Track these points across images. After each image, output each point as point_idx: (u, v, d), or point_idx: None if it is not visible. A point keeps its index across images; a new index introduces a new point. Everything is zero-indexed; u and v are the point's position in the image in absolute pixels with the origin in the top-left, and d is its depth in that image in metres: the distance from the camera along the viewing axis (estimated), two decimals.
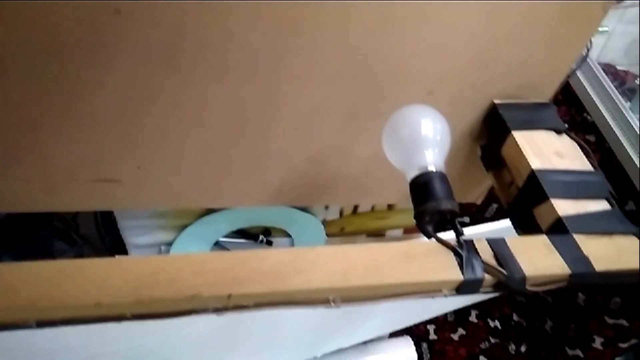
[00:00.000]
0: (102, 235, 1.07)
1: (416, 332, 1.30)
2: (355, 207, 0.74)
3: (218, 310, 0.37)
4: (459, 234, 0.43)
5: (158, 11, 0.42)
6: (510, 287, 0.42)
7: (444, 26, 0.49)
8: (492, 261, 0.43)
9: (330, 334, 0.81)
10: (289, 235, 0.74)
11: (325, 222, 0.73)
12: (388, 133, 0.47)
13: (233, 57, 0.46)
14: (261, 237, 0.72)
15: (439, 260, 0.42)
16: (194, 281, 0.36)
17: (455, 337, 1.33)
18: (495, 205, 1.15)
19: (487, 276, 0.42)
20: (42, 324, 0.33)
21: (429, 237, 0.43)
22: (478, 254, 0.43)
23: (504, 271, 0.42)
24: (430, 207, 0.43)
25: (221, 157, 0.56)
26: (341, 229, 0.75)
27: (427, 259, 0.42)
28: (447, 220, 0.44)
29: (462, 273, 0.42)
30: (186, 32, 0.44)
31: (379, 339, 1.04)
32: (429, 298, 0.42)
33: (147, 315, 0.35)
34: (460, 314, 1.32)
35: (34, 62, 0.43)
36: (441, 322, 1.33)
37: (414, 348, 1.05)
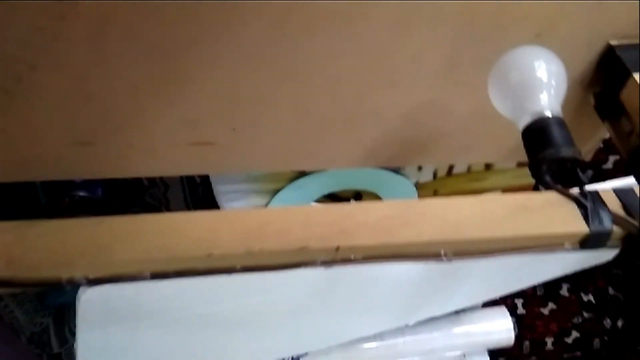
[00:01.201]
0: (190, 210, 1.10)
1: (502, 305, 1.26)
2: (450, 168, 0.70)
3: (326, 263, 0.36)
4: (582, 183, 0.39)
5: None
6: None
7: None
8: (621, 212, 0.39)
9: (424, 302, 0.79)
10: (379, 199, 0.72)
11: (417, 185, 0.70)
12: (496, 78, 0.44)
13: (326, 8, 0.44)
14: (352, 201, 0.71)
15: (560, 211, 0.39)
16: (301, 233, 0.35)
17: (545, 311, 1.27)
18: (612, 159, 1.05)
19: (615, 228, 0.38)
20: (156, 275, 0.33)
21: (547, 187, 0.39)
22: (605, 204, 0.39)
23: (636, 223, 0.38)
24: (549, 154, 0.39)
25: (314, 116, 0.55)
26: (434, 192, 0.72)
27: (547, 210, 0.39)
28: (566, 170, 0.41)
29: (588, 225, 0.38)
30: None
31: (472, 308, 1.00)
32: (549, 253, 0.39)
33: (257, 267, 0.34)
34: (551, 288, 1.26)
35: (131, 21, 0.43)
36: (530, 296, 1.28)
37: (510, 319, 1.00)
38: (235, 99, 0.51)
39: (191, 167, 0.57)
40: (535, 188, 0.72)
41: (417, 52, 0.50)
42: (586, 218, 0.38)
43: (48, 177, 0.54)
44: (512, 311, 1.28)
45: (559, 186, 0.39)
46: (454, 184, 0.71)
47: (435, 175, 0.70)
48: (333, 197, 0.71)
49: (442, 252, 0.37)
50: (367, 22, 0.46)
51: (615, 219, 0.38)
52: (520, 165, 0.69)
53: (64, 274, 0.31)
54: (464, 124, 0.58)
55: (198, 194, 1.01)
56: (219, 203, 0.68)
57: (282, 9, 0.44)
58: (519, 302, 1.30)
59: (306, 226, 0.35)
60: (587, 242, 0.38)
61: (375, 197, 0.71)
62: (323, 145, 0.58)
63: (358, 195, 0.71)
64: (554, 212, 0.39)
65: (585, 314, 1.22)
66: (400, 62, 0.50)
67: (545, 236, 0.38)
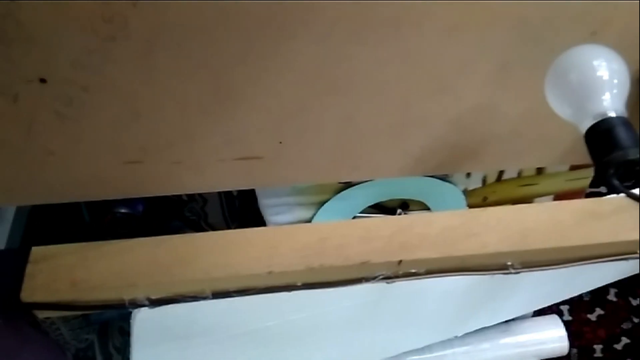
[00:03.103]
0: (228, 224, 1.11)
1: (548, 313, 1.22)
2: (500, 174, 0.68)
3: (388, 277, 0.34)
4: None
5: None
6: None
7: None
8: None
9: (473, 312, 0.77)
10: (427, 208, 0.70)
11: (466, 192, 0.68)
12: (554, 79, 0.42)
13: (374, 14, 0.44)
14: (399, 210, 0.70)
15: (632, 217, 0.37)
16: (361, 248, 0.34)
17: (592, 317, 1.22)
18: None
19: None
20: (217, 294, 0.33)
21: (617, 192, 0.37)
22: None
23: None
24: (617, 157, 0.37)
25: (360, 126, 0.54)
26: (484, 199, 0.70)
27: (617, 216, 0.37)
28: (635, 172, 0.38)
29: None
30: None
31: (523, 317, 0.97)
32: (621, 261, 0.37)
33: (318, 284, 0.34)
34: (597, 293, 1.21)
35: (179, 40, 0.43)
36: (576, 302, 1.24)
37: (563, 327, 0.97)
38: (281, 113, 0.51)
39: (238, 182, 0.57)
40: (590, 192, 0.70)
41: (467, 57, 0.48)
42: None
43: (98, 197, 0.55)
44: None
45: (629, 190, 0.38)
46: (504, 190, 0.69)
47: (484, 182, 0.68)
48: (379, 207, 0.69)
49: (509, 264, 0.35)
50: (416, 29, 0.45)
51: None
52: (573, 168, 0.67)
53: (126, 295, 0.31)
54: (514, 128, 0.57)
55: (235, 206, 1.02)
56: (264, 217, 0.68)
57: (329, 20, 0.43)
58: (564, 308, 1.26)
59: (366, 240, 0.34)
60: None
61: (423, 205, 0.70)
62: (369, 155, 0.57)
63: (405, 205, 0.70)
64: (624, 218, 0.37)
65: (635, 319, 1.17)
66: (449, 68, 0.49)
67: (616, 244, 0.36)
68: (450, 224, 0.35)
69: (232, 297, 0.33)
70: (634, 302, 1.21)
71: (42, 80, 0.43)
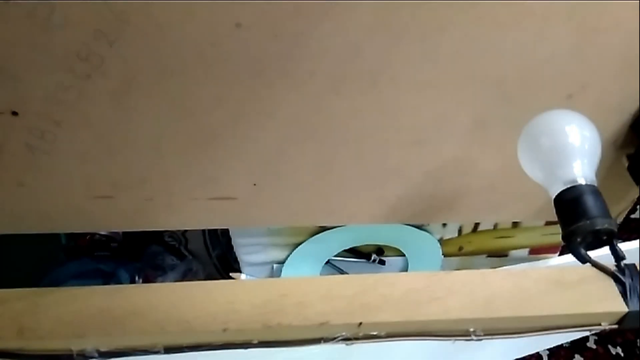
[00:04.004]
0: (209, 250, 1.10)
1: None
2: (476, 224, 0.68)
3: (347, 339, 0.34)
4: (619, 257, 0.37)
5: (278, 23, 0.40)
6: None
7: (590, 23, 0.43)
8: None
9: None
10: (402, 254, 0.70)
11: (442, 241, 0.68)
12: (526, 143, 0.42)
13: (352, 67, 0.44)
14: (374, 256, 0.69)
15: (597, 288, 0.36)
16: (322, 307, 0.33)
17: None
18: None
19: None
20: (169, 349, 0.32)
21: (583, 261, 0.37)
22: None
23: None
24: (584, 227, 0.37)
25: (336, 173, 0.54)
26: (459, 248, 0.70)
27: (583, 286, 0.36)
28: (602, 242, 0.38)
29: (627, 303, 0.36)
30: (305, 43, 0.42)
31: None
32: (585, 332, 0.37)
33: (275, 342, 0.33)
34: (577, 340, 1.21)
35: (157, 81, 0.43)
36: (556, 350, 1.23)
37: None
38: (257, 156, 0.50)
39: (211, 221, 0.56)
40: (565, 248, 0.70)
41: (443, 112, 0.49)
42: (624, 295, 0.36)
43: (67, 230, 0.54)
44: None
45: (595, 260, 0.37)
46: (479, 241, 0.69)
47: (460, 232, 0.68)
48: (354, 252, 0.69)
49: (472, 330, 0.34)
50: (392, 83, 0.45)
51: None
52: (549, 223, 0.67)
53: (75, 346, 0.30)
54: (490, 182, 0.57)
55: (217, 233, 1.00)
56: (238, 255, 0.67)
57: (308, 70, 0.44)
58: (544, 354, 1.25)
59: (327, 299, 0.33)
60: (625, 322, 0.36)
61: (398, 251, 0.69)
62: (345, 201, 0.57)
63: (380, 250, 0.70)
64: (590, 289, 0.36)
65: None
66: (426, 121, 0.49)
67: (580, 315, 0.36)
68: (414, 286, 0.34)
69: (185, 353, 0.32)
70: (614, 351, 1.20)
71: (14, 113, 0.43)
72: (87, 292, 0.32)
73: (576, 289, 0.36)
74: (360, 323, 0.33)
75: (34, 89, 0.42)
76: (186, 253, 1.10)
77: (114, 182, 0.50)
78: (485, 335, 0.35)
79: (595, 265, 0.37)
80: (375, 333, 0.34)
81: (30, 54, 0.39)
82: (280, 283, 0.34)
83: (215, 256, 1.07)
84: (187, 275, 1.07)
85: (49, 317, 0.30)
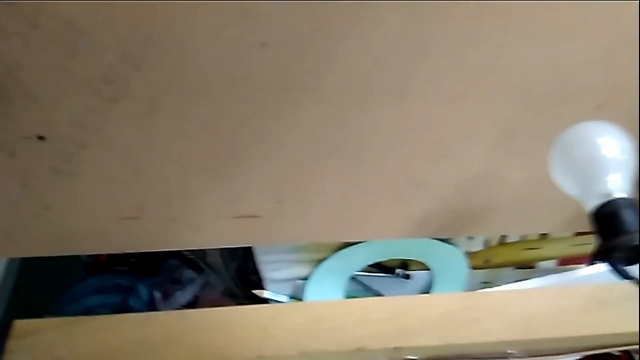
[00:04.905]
0: (226, 264, 1.09)
1: None
2: (503, 236, 0.67)
3: None
4: None
5: (304, 41, 0.40)
6: None
7: (619, 32, 0.42)
8: None
9: None
10: (427, 268, 0.69)
11: (468, 254, 0.67)
12: (559, 156, 0.41)
13: (378, 82, 0.43)
14: (398, 270, 0.68)
15: (637, 306, 0.35)
16: (357, 331, 0.32)
17: None
18: None
19: None
20: None
21: (625, 277, 0.36)
22: None
23: None
24: (623, 241, 0.36)
25: (362, 188, 0.53)
26: (486, 261, 0.68)
27: (624, 304, 0.35)
28: None
29: None
30: (331, 60, 0.41)
31: None
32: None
33: None
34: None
35: (182, 103, 0.43)
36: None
37: None
38: (281, 173, 0.50)
39: (235, 240, 0.56)
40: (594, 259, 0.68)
41: (471, 126, 0.48)
42: None
43: (93, 251, 0.54)
44: None
45: (636, 278, 0.36)
46: (507, 253, 0.68)
47: (486, 244, 0.67)
48: (379, 266, 0.68)
49: (511, 352, 0.33)
50: (420, 97, 0.45)
51: None
52: (578, 233, 0.65)
53: None
54: (518, 194, 0.56)
55: (235, 247, 1.00)
56: (262, 273, 0.66)
57: (333, 86, 0.43)
58: None
59: (362, 323, 0.33)
60: None
61: (423, 265, 0.68)
62: (370, 216, 0.56)
63: (404, 264, 0.68)
64: (631, 306, 0.35)
65: None
66: (453, 135, 0.49)
67: (622, 334, 0.34)
68: (451, 308, 0.33)
69: None
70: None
71: (40, 138, 0.43)
72: (119, 321, 0.31)
73: (617, 307, 0.35)
74: (397, 347, 0.32)
75: (60, 113, 0.42)
76: (204, 266, 1.10)
77: (140, 203, 0.50)
78: (524, 357, 0.34)
79: (634, 281, 0.36)
80: (412, 357, 0.33)
81: (56, 78, 0.39)
82: (314, 306, 0.33)
83: (233, 269, 1.07)
84: (206, 289, 1.07)
85: (83, 346, 0.30)
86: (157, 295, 1.02)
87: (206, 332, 0.31)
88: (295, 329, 0.32)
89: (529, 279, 0.69)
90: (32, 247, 0.52)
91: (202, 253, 1.10)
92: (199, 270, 1.09)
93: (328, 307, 0.33)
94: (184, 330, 0.31)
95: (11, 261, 0.99)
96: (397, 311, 0.33)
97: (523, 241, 0.67)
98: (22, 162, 0.44)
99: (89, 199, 0.49)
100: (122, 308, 1.06)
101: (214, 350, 0.31)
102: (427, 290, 0.71)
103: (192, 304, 1.03)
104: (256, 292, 0.66)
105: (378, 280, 0.69)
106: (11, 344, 0.29)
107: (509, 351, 0.34)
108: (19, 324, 0.31)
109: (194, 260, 1.09)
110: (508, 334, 0.33)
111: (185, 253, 1.10)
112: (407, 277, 0.68)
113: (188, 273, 1.08)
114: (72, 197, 0.48)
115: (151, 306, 1.03)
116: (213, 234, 0.54)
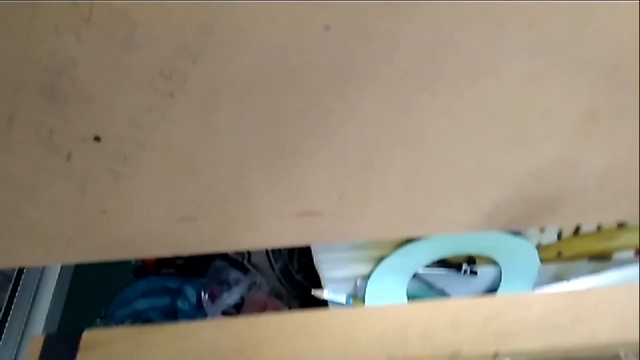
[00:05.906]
0: (271, 263, 1.08)
1: None
2: (577, 227, 0.62)
3: None
4: None
5: (370, 22, 0.37)
6: None
7: None
8: None
9: None
10: (495, 263, 0.65)
11: (539, 247, 0.62)
12: None
13: (449, 64, 0.40)
14: (465, 266, 0.64)
15: None
16: (449, 335, 0.29)
17: None
18: None
19: None
20: None
21: None
22: None
23: None
24: None
25: (428, 180, 0.50)
26: (558, 254, 0.64)
27: None
28: None
29: None
30: (398, 42, 0.38)
31: None
32: None
33: None
34: None
35: (240, 95, 0.40)
36: None
37: None
38: (344, 167, 0.47)
39: (296, 238, 0.53)
40: None
41: (550, 107, 0.44)
42: None
43: (150, 255, 0.52)
44: None
45: None
46: (581, 245, 0.63)
47: (559, 236, 0.63)
48: (443, 262, 0.64)
49: (622, 354, 0.30)
50: (494, 78, 0.41)
51: None
52: None
53: None
54: (599, 180, 0.51)
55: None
56: (320, 272, 0.64)
57: (400, 71, 0.40)
58: None
59: (454, 326, 0.30)
60: None
61: (490, 260, 0.64)
62: (437, 210, 0.53)
63: (471, 260, 0.65)
64: None
65: None
66: (530, 118, 0.45)
67: None
68: (553, 308, 0.30)
69: None
70: None
71: (97, 139, 0.41)
72: (194, 328, 0.29)
73: None
74: (496, 353, 0.29)
75: (117, 112, 0.40)
76: (249, 267, 1.09)
77: (197, 203, 0.48)
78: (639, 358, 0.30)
79: None
80: None
81: (112, 76, 0.38)
82: (400, 309, 0.30)
83: (278, 269, 1.06)
84: (252, 289, 1.06)
85: (155, 357, 0.28)
86: (205, 296, 1.02)
87: (285, 339, 0.29)
88: (382, 333, 0.29)
89: (604, 271, 0.65)
90: (90, 252, 0.51)
91: (247, 253, 1.09)
92: (245, 271, 1.08)
93: (415, 310, 0.30)
94: (261, 337, 0.29)
95: (64, 266, 1.00)
96: (491, 312, 0.30)
97: (599, 231, 0.63)
98: (79, 165, 0.43)
99: (145, 201, 0.47)
100: (171, 310, 1.06)
101: (295, 357, 0.28)
102: (493, 287, 0.68)
103: (239, 305, 1.03)
104: (315, 292, 0.63)
105: (443, 277, 0.65)
106: (81, 355, 0.27)
107: (621, 353, 0.30)
108: (88, 335, 0.29)
109: (240, 260, 1.08)
110: (619, 334, 0.29)
111: (230, 254, 1.10)
112: (475, 273, 0.65)
113: (234, 274, 1.07)
114: (128, 200, 0.47)
115: (199, 308, 1.02)
116: (273, 232, 0.52)
